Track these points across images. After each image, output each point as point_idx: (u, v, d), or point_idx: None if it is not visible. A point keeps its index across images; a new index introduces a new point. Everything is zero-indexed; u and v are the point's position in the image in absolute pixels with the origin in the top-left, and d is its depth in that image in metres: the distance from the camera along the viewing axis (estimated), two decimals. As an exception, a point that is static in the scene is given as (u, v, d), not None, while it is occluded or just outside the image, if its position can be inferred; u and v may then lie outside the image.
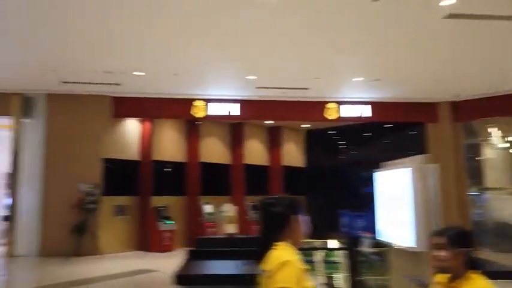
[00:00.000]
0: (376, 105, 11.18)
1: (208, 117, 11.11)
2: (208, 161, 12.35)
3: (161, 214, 10.81)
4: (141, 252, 10.48)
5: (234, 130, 12.98)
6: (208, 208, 11.70)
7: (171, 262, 9.13)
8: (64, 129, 10.24)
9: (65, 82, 9.37)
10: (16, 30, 6.70)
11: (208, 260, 3.69)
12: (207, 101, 10.89)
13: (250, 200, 11.79)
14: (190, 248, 4.01)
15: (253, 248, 1.83)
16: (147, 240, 10.75)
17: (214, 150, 12.62)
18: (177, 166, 11.95)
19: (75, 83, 9.42)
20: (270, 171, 13.59)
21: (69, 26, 6.60)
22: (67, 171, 10.05)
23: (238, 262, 3.41)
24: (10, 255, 9.71)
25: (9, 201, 10.18)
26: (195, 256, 3.76)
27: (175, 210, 11.36)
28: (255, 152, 13.31)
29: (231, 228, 10.14)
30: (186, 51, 7.72)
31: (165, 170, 11.80)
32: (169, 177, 11.94)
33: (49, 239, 9.84)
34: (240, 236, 8.86)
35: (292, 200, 1.83)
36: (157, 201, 11.08)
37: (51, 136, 10.20)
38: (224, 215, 10.58)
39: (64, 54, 7.87)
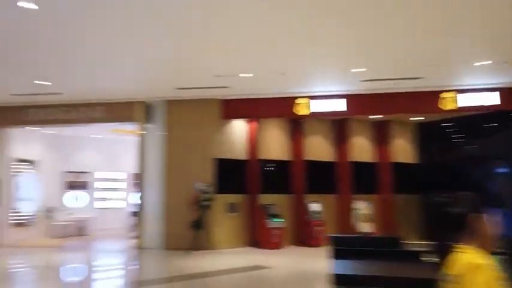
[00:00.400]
0: (506, 92, 9.81)
1: (312, 115, 10.98)
2: (313, 159, 12.22)
3: (269, 212, 11.01)
4: (252, 249, 10.81)
5: (338, 126, 12.62)
6: (314, 206, 11.56)
7: (282, 259, 9.32)
8: (180, 132, 11.10)
9: (180, 88, 10.12)
10: (138, 46, 7.43)
11: (356, 260, 3.49)
12: (311, 98, 10.80)
13: (360, 199, 11.31)
14: (336, 247, 3.84)
15: (404, 250, 1.64)
16: (257, 237, 11.06)
17: (318, 147, 12.43)
18: (282, 164, 12.06)
19: (188, 88, 10.11)
20: (378, 168, 12.89)
21: (182, 38, 7.08)
22: (184, 171, 10.88)
23: (396, 263, 3.19)
24: (140, 247, 10.86)
25: (138, 198, 11.39)
26: (338, 255, 3.60)
27: (282, 208, 11.46)
28: (362, 148, 12.76)
29: (366, 227, 9.73)
30: (293, 49, 7.72)
31: (271, 168, 11.98)
32: (276, 176, 12.08)
33: (171, 234, 10.76)
34: (378, 236, 8.41)
35: (474, 197, 1.60)
36: (265, 199, 11.33)
37: (170, 139, 11.15)
38: (359, 213, 10.20)
39: (179, 62, 8.48)
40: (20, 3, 5.66)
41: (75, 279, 8.37)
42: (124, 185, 15.60)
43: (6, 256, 10.39)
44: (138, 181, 11.38)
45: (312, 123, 12.29)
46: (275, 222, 10.84)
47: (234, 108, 11.09)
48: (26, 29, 6.62)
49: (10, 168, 12.29)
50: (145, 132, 11.40)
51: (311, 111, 10.82)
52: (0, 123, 11.82)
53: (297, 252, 10.47)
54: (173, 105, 11.21)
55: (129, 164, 14.14)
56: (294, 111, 10.84)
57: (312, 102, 10.81)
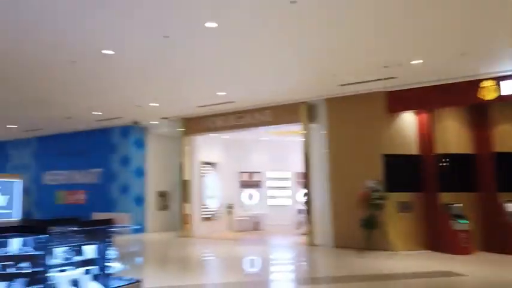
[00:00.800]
0: None
1: (500, 98, 9.29)
2: (505, 151, 10.25)
3: (452, 212, 9.75)
4: (432, 253, 9.76)
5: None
6: (513, 207, 9.67)
7: (478, 267, 8.06)
8: (343, 129, 10.93)
9: (343, 85, 9.94)
10: (302, 47, 7.57)
11: None
12: (498, 79, 9.16)
13: None
14: None
15: None
16: (438, 239, 9.93)
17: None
18: (463, 158, 10.51)
19: (352, 83, 9.84)
20: None
21: (347, 31, 6.87)
22: (350, 168, 10.64)
23: None
24: (310, 244, 11.11)
25: (305, 196, 11.68)
26: None
27: (465, 207, 9.99)
28: None
29: None
30: (476, 26, 6.66)
31: (450, 163, 10.58)
32: (455, 171, 10.61)
33: (340, 232, 10.66)
34: None
35: None
36: (444, 197, 10.09)
37: (333, 137, 11.10)
38: None
39: (342, 58, 8.30)
40: (207, 24, 6.42)
41: (254, 270, 9.06)
42: (292, 183, 16.30)
43: (199, 246, 12.05)
44: (305, 179, 11.67)
45: (501, 109, 10.33)
46: (461, 224, 9.52)
47: (402, 99, 10.29)
48: (208, 46, 7.50)
49: (199, 170, 14.30)
50: (309, 131, 11.63)
51: (501, 94, 9.18)
52: (189, 131, 13.90)
53: (494, 260, 8.90)
54: (335, 103, 11.12)
55: (295, 163, 14.69)
56: (479, 96, 9.38)
57: (502, 83, 9.16)
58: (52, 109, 12.61)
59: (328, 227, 10.96)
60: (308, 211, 11.42)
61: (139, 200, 15.29)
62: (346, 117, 10.95)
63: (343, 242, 10.54)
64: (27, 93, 10.81)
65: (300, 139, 12.06)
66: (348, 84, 9.86)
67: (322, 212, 11.14)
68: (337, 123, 11.11)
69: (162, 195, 16.08)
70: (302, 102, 11.56)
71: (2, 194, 4.12)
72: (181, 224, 13.77)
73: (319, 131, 11.51)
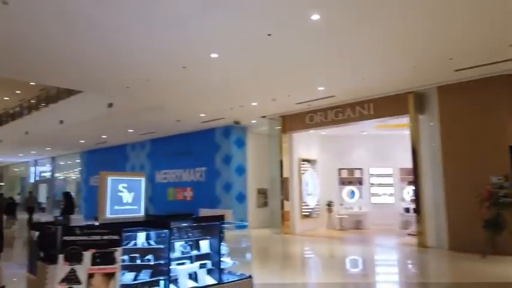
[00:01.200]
0: None
1: None
2: None
3: None
4: None
5: None
6: None
7: None
8: (458, 120, 9.86)
9: (459, 70, 8.91)
10: (416, 35, 6.94)
11: None
12: None
13: None
14: None
15: None
16: None
17: None
18: None
19: (470, 68, 8.78)
20: None
21: (457, 10, 6.09)
22: (467, 163, 9.54)
23: None
24: (422, 245, 10.23)
25: (413, 194, 10.80)
26: None
27: None
28: None
29: None
30: None
31: None
32: None
33: (456, 233, 9.64)
34: None
35: None
36: None
37: (445, 129, 10.09)
38: None
39: (461, 38, 7.40)
40: (313, 17, 6.29)
41: (359, 270, 8.61)
42: (396, 180, 15.27)
43: (300, 243, 11.99)
44: (413, 176, 10.78)
45: None
46: None
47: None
48: (311, 40, 7.35)
49: (298, 167, 14.24)
50: (417, 123, 10.71)
51: None
52: (287, 128, 13.92)
53: None
54: (448, 91, 10.05)
55: (399, 158, 13.76)
56: None
57: None
58: (164, 114, 13.75)
59: (442, 228, 9.98)
60: (417, 210, 10.54)
61: (241, 197, 15.82)
62: (462, 106, 9.82)
63: (460, 245, 9.49)
64: (144, 101, 11.93)
65: (405, 132, 11.18)
66: (466, 68, 8.80)
67: (435, 211, 10.18)
68: (450, 113, 10.04)
69: (262, 192, 16.41)
70: (409, 92, 10.68)
71: (129, 192, 4.53)
72: (281, 221, 13.85)
73: (428, 123, 10.54)
